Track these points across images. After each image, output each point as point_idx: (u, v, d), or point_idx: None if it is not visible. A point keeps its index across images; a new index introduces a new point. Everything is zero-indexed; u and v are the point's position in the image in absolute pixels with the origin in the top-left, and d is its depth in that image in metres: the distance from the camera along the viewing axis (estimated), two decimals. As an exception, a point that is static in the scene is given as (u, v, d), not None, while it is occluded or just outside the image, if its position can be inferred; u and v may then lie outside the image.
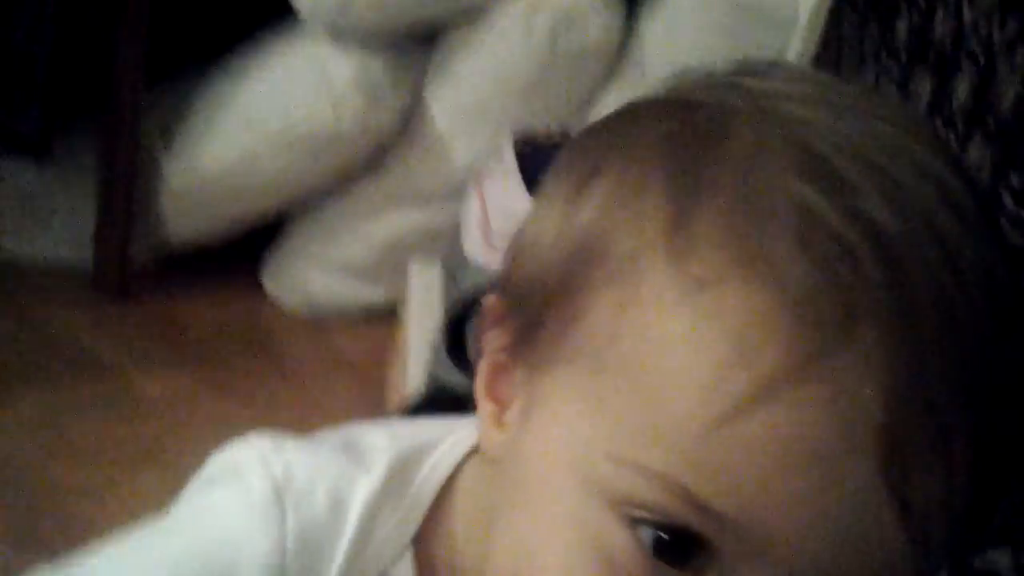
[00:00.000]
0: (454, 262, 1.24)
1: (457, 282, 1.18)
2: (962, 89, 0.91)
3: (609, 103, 1.58)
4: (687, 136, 0.41)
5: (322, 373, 1.62)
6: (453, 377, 1.07)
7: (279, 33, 1.63)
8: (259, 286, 1.74)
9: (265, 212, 1.68)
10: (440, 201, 1.63)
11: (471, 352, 1.03)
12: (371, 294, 1.70)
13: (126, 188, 1.58)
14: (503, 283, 0.47)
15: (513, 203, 1.18)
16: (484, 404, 0.47)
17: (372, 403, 1.42)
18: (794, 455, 0.37)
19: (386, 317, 1.64)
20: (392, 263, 1.66)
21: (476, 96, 1.59)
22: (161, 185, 1.61)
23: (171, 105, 1.63)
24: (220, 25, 1.62)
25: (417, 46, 1.63)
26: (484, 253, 1.17)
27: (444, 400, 1.04)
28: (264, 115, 1.58)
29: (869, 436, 0.36)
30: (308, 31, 1.57)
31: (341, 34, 1.55)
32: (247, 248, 1.71)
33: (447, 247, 1.30)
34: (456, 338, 1.05)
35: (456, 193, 1.55)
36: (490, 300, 0.47)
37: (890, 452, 0.36)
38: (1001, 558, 0.79)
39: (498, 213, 1.19)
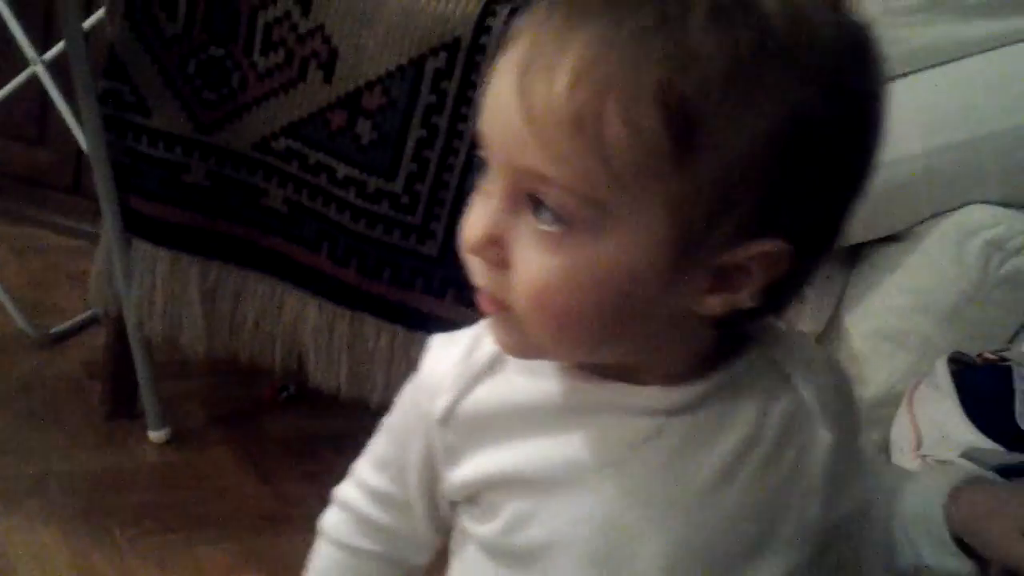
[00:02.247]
0: (889, 483, 1.19)
1: (891, 501, 1.13)
2: None
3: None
4: None
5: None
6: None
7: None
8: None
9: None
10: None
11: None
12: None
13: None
14: None
15: (951, 427, 1.12)
16: None
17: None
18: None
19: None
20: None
21: (897, 320, 1.54)
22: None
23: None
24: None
25: (838, 264, 1.63)
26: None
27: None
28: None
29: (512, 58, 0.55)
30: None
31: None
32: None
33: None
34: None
35: (869, 418, 1.50)
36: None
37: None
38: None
39: (934, 435, 1.13)
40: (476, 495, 0.67)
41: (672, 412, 0.62)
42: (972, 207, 1.48)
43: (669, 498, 0.62)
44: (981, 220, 1.47)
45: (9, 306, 1.90)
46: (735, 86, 0.51)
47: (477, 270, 0.59)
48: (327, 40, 1.44)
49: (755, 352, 0.64)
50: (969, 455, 1.08)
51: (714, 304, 0.57)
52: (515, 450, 0.64)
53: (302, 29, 1.45)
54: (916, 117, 1.50)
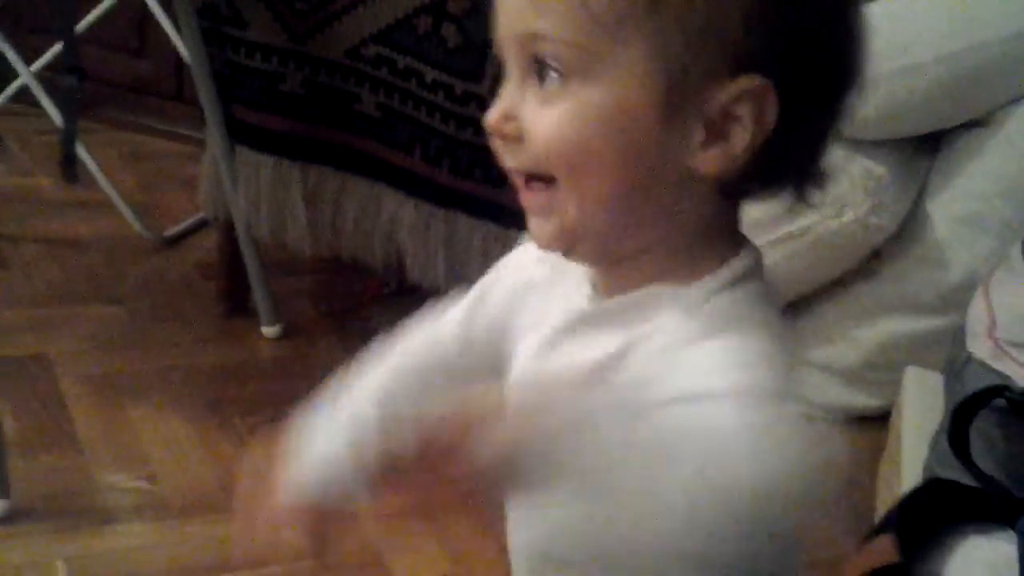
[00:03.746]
0: (956, 365, 1.24)
1: (961, 383, 1.18)
2: None
3: None
4: None
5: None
6: (951, 472, 1.07)
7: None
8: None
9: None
10: (936, 310, 1.61)
11: (974, 449, 1.03)
12: (862, 398, 1.71)
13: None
14: None
15: (1022, 305, 1.16)
16: None
17: (858, 507, 1.42)
18: None
19: (876, 421, 1.64)
20: (884, 369, 1.66)
21: (978, 204, 1.57)
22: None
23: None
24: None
25: (922, 151, 1.65)
26: (991, 356, 1.16)
27: (943, 490, 1.05)
28: (767, 212, 1.65)
29: None
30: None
31: (846, 139, 1.61)
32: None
33: (946, 352, 1.30)
34: (959, 434, 1.06)
35: (950, 302, 1.54)
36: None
37: None
38: None
39: (1007, 316, 1.18)
40: None
41: (593, 319, 0.67)
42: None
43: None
44: (1063, 103, 1.47)
45: (125, 211, 2.02)
46: None
47: (503, 151, 0.64)
48: (413, -53, 1.49)
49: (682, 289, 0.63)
50: (1042, 337, 1.13)
51: (712, 159, 0.60)
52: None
53: (394, -61, 1.50)
54: (994, 4, 1.50)
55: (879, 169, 1.59)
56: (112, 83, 2.31)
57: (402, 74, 1.54)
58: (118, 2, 2.09)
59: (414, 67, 1.53)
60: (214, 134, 1.65)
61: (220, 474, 1.49)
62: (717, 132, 0.59)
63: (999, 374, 1.13)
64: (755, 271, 0.64)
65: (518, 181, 0.64)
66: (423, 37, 1.51)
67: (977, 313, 1.23)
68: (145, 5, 2.11)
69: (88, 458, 1.49)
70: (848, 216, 1.58)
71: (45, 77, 2.06)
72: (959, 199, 1.59)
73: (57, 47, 2.08)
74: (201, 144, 2.04)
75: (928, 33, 1.54)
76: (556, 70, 0.59)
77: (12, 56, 2.02)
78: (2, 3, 1.95)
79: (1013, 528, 0.97)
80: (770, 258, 1.75)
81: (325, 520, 0.68)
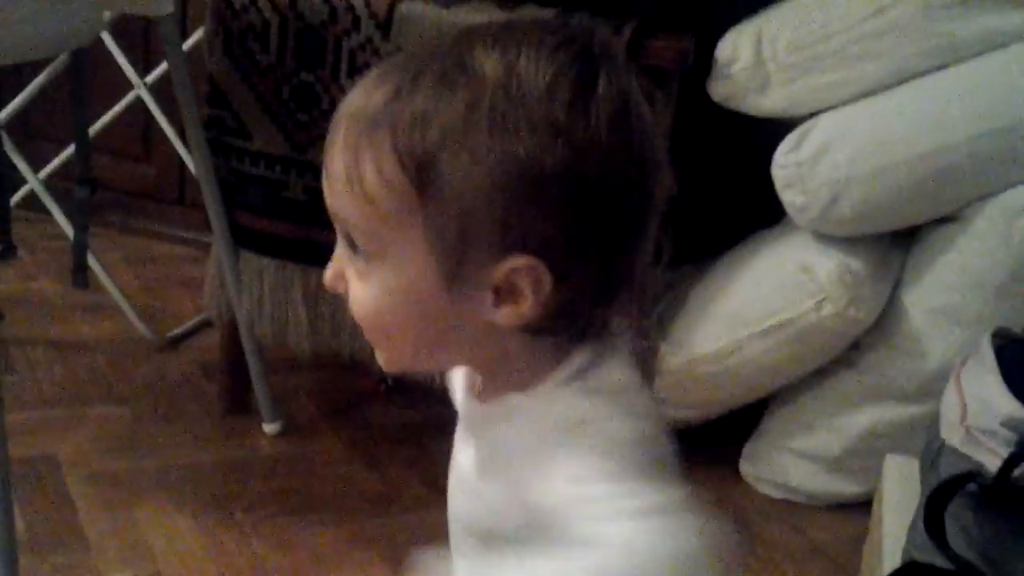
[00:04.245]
0: (931, 452, 1.29)
1: (936, 469, 1.23)
2: None
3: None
4: None
5: (797, 558, 1.69)
6: (928, 556, 1.12)
7: (768, 234, 1.79)
8: (735, 471, 1.86)
9: (745, 398, 1.81)
10: (914, 398, 1.67)
11: (949, 533, 1.08)
12: (844, 485, 1.76)
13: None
14: None
15: (993, 398, 1.22)
16: None
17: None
18: None
19: (859, 507, 1.69)
20: (865, 456, 1.71)
21: (951, 297, 1.63)
22: (657, 368, 1.79)
23: (669, 294, 1.83)
24: (720, 225, 1.81)
25: (897, 245, 1.72)
26: (964, 443, 1.21)
27: (920, 574, 1.10)
28: (750, 306, 1.72)
29: None
30: (794, 232, 1.71)
31: (825, 235, 1.68)
32: (724, 432, 1.85)
33: (924, 438, 1.36)
34: (935, 519, 1.11)
35: (928, 391, 1.59)
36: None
37: None
38: None
39: (978, 405, 1.23)
40: None
41: (472, 421, 0.76)
42: (1018, 188, 1.57)
43: (460, 483, 0.77)
44: (1025, 200, 1.55)
45: (129, 313, 2.08)
46: (456, 138, 0.64)
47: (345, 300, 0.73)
48: (407, 62, 1.57)
49: (549, 384, 0.70)
50: (1009, 424, 1.18)
51: (507, 315, 0.67)
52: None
53: (384, 52, 1.58)
54: (960, 106, 1.59)
55: (856, 264, 1.66)
56: (117, 189, 2.38)
57: (399, 181, 1.61)
58: (124, 111, 2.18)
59: (410, 174, 1.60)
60: (219, 239, 1.72)
61: (223, 568, 1.53)
62: (505, 296, 0.67)
63: (971, 460, 1.18)
64: (595, 363, 0.70)
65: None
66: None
67: (950, 402, 1.29)
68: (149, 113, 2.19)
69: (95, 555, 1.53)
70: (827, 309, 1.65)
71: (52, 184, 2.13)
72: (933, 292, 1.65)
73: (64, 155, 2.16)
74: (203, 247, 2.11)
75: (899, 135, 1.62)
76: (359, 251, 0.68)
77: (21, 164, 2.09)
78: (11, 113, 2.03)
79: (988, 609, 1.01)
80: (752, 349, 1.82)
81: None
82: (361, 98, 0.67)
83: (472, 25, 0.69)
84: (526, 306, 0.67)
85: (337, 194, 0.67)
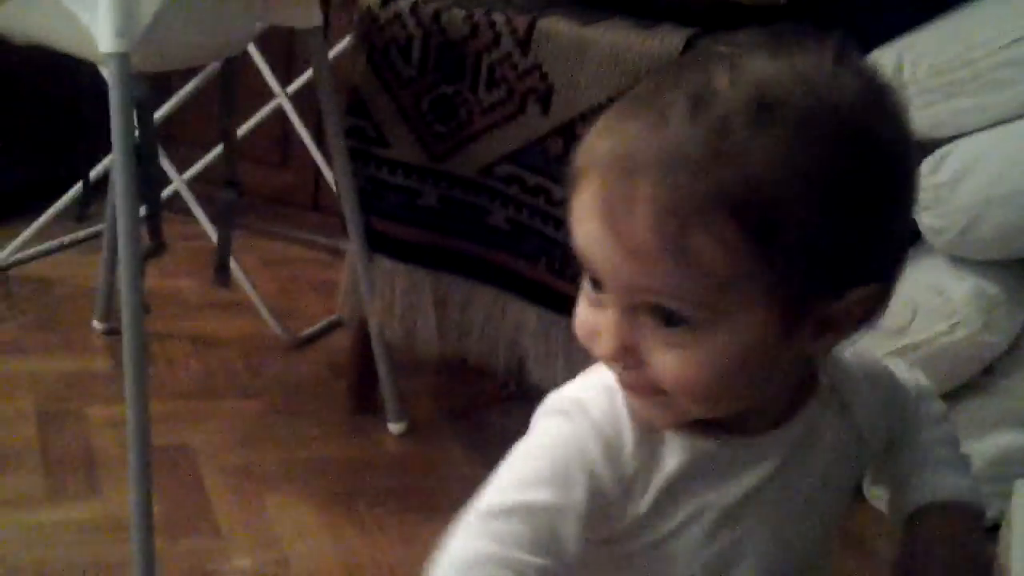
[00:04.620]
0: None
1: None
2: None
3: None
4: None
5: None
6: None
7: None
8: (859, 490, 1.85)
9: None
10: (1050, 426, 1.64)
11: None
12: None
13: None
14: None
15: None
16: None
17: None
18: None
19: (987, 533, 1.65)
20: (996, 482, 1.67)
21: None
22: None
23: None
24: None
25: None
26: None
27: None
28: (882, 328, 1.71)
29: (588, 201, 0.64)
30: (929, 254, 1.70)
31: (961, 259, 1.66)
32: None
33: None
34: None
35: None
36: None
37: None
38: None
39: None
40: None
41: (783, 457, 0.74)
42: None
43: (777, 520, 0.75)
44: None
45: (264, 312, 2.16)
46: (790, 179, 0.59)
47: (616, 370, 0.68)
48: (544, 77, 1.61)
49: (824, 384, 0.76)
50: None
51: (821, 346, 0.68)
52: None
53: (521, 68, 1.62)
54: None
55: (991, 288, 1.63)
56: (255, 194, 2.47)
57: (532, 191, 1.65)
58: (264, 119, 2.27)
59: (544, 185, 1.64)
60: (354, 243, 1.78)
61: (346, 560, 1.58)
62: (829, 327, 0.66)
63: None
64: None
65: (631, 388, 0.68)
66: (553, 158, 1.62)
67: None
68: (287, 122, 2.28)
69: (225, 541, 1.59)
70: (961, 333, 1.63)
71: (193, 187, 2.23)
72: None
73: (207, 159, 2.25)
74: (335, 252, 2.18)
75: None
76: (673, 320, 0.63)
77: (168, 166, 2.19)
78: (161, 117, 2.12)
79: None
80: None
81: None
82: (666, 156, 0.60)
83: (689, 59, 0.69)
84: (848, 333, 0.67)
85: (641, 270, 0.61)
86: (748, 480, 0.73)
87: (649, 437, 0.71)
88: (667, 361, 0.64)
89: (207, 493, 1.70)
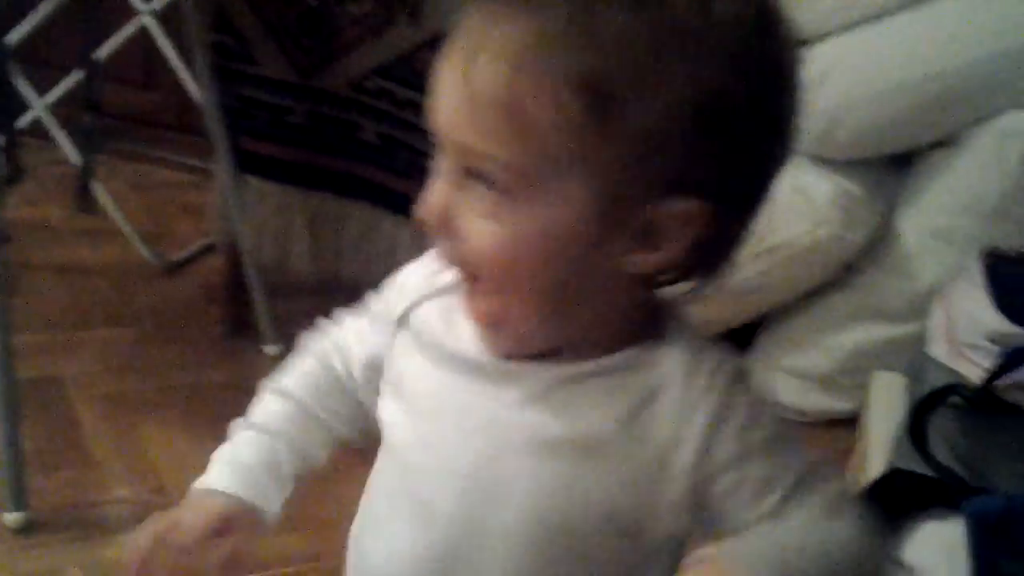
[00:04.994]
0: (917, 367, 1.32)
1: (921, 382, 1.26)
2: None
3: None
4: None
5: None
6: (912, 465, 1.16)
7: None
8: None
9: (739, 319, 1.84)
10: (904, 318, 1.70)
11: (932, 443, 1.12)
12: (835, 402, 1.80)
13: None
14: None
15: (980, 313, 1.26)
16: None
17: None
18: None
19: (849, 423, 1.73)
20: (854, 374, 1.75)
21: (945, 218, 1.66)
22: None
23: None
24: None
25: (891, 169, 1.75)
26: (948, 357, 1.25)
27: (903, 479, 1.14)
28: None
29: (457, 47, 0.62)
30: (792, 158, 1.74)
31: (822, 160, 1.70)
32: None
33: (911, 354, 1.39)
34: (918, 429, 1.15)
35: (919, 311, 1.62)
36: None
37: None
38: None
39: (964, 322, 1.27)
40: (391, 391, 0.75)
41: (558, 381, 0.67)
42: (1012, 112, 1.59)
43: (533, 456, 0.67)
44: (1020, 124, 1.57)
45: (132, 237, 2.11)
46: (645, 67, 0.58)
47: (439, 245, 0.65)
48: (412, -14, 1.59)
49: (663, 345, 0.66)
50: (993, 338, 1.22)
51: (642, 262, 0.62)
52: (426, 370, 0.71)
53: (389, -22, 1.60)
54: (956, 32, 1.61)
55: (851, 187, 1.69)
56: (119, 116, 2.40)
57: (402, 105, 1.64)
58: (127, 39, 2.19)
59: (414, 99, 1.62)
60: (223, 164, 1.74)
61: (227, 483, 1.57)
62: (649, 241, 0.62)
63: (955, 373, 1.22)
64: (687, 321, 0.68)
65: (452, 270, 0.67)
66: (423, 72, 1.60)
67: (936, 318, 1.32)
68: (151, 41, 2.20)
69: (101, 472, 1.56)
70: (822, 231, 1.68)
71: (56, 112, 2.15)
72: (928, 214, 1.68)
73: (68, 82, 2.17)
74: (205, 173, 2.13)
75: (895, 61, 1.64)
76: (493, 186, 0.61)
77: (28, 91, 2.11)
78: (18, 40, 2.04)
79: (966, 513, 1.05)
80: (748, 271, 1.86)
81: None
82: (539, 16, 0.59)
83: None
84: (669, 255, 0.62)
85: (475, 125, 0.60)
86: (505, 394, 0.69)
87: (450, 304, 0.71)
88: (479, 229, 0.62)
89: (80, 424, 1.66)
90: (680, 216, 0.61)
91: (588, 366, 0.66)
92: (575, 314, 0.65)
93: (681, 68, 0.58)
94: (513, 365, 0.68)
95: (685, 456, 0.65)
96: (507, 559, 0.68)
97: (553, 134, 0.59)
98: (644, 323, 0.67)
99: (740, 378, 0.66)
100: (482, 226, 0.62)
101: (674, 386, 0.65)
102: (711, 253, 0.64)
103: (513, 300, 0.64)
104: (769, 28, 0.61)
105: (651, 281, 0.65)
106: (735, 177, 0.61)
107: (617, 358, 0.66)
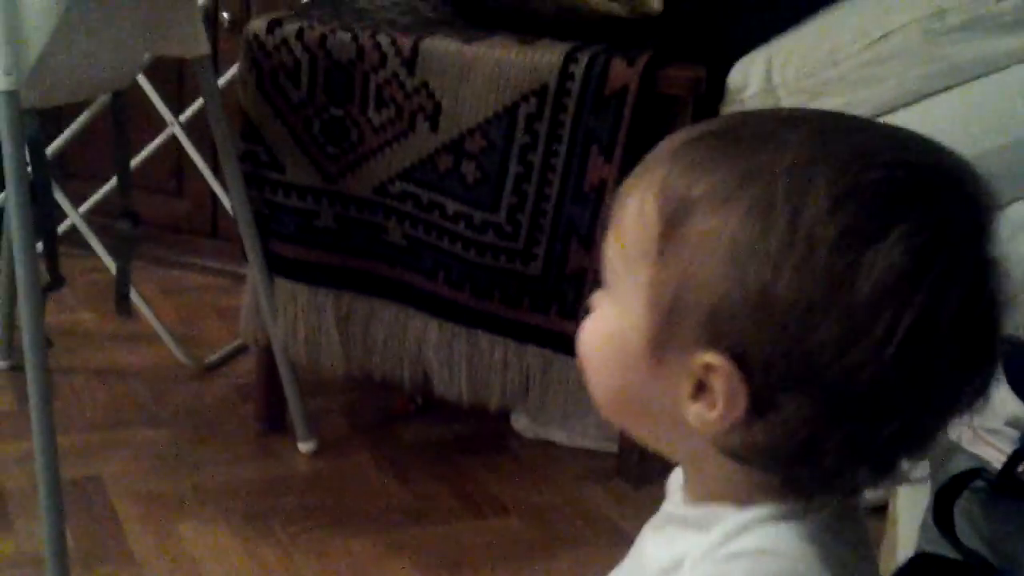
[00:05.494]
0: (941, 453, 1.35)
1: (945, 468, 1.29)
2: None
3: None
4: None
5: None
6: (939, 549, 1.18)
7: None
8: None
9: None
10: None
11: (958, 527, 1.14)
12: (865, 492, 1.81)
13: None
14: None
15: (999, 399, 1.28)
16: None
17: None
18: None
19: (877, 512, 1.74)
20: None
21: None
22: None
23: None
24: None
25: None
26: (970, 442, 1.28)
27: (930, 564, 1.16)
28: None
29: None
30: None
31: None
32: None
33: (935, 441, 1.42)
34: (944, 513, 1.17)
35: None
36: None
37: None
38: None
39: (983, 408, 1.29)
40: None
41: (672, 519, 0.69)
42: (1019, 203, 1.63)
43: None
44: (1028, 214, 1.61)
45: (167, 340, 2.16)
46: (716, 203, 0.59)
47: None
48: (431, 95, 1.66)
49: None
50: (1013, 424, 1.25)
51: (696, 414, 0.61)
52: None
53: (408, 87, 1.67)
54: (962, 127, 1.65)
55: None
56: (151, 223, 2.47)
57: (426, 207, 1.69)
58: (159, 148, 2.27)
59: (437, 200, 1.68)
60: (254, 267, 1.80)
61: (265, 580, 1.61)
62: (699, 394, 0.61)
63: (978, 459, 1.25)
64: (799, 514, 0.62)
65: None
66: (444, 174, 1.67)
67: (955, 404, 1.35)
68: (181, 150, 2.28)
69: (141, 569, 1.60)
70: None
71: (90, 220, 2.22)
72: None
73: (103, 191, 2.25)
74: (235, 277, 2.20)
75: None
76: (604, 285, 0.66)
77: (63, 201, 2.18)
78: (55, 152, 2.12)
79: (994, 595, 1.07)
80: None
81: None
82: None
83: (808, 110, 0.65)
84: (715, 415, 0.60)
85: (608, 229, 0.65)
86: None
87: None
88: (587, 319, 0.67)
89: (120, 522, 1.70)
90: (716, 373, 0.59)
91: (679, 510, 0.68)
92: (672, 449, 0.67)
93: (742, 236, 0.58)
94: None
95: None
96: None
97: (632, 237, 0.63)
98: (738, 489, 0.64)
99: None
100: (589, 318, 0.67)
101: (689, 559, 0.63)
102: (786, 447, 0.59)
103: (598, 394, 0.67)
104: (855, 253, 0.56)
105: (723, 451, 0.62)
106: (776, 360, 0.58)
107: (694, 511, 0.66)
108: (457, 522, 1.75)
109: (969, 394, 0.62)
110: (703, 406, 0.60)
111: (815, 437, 0.58)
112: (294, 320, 1.82)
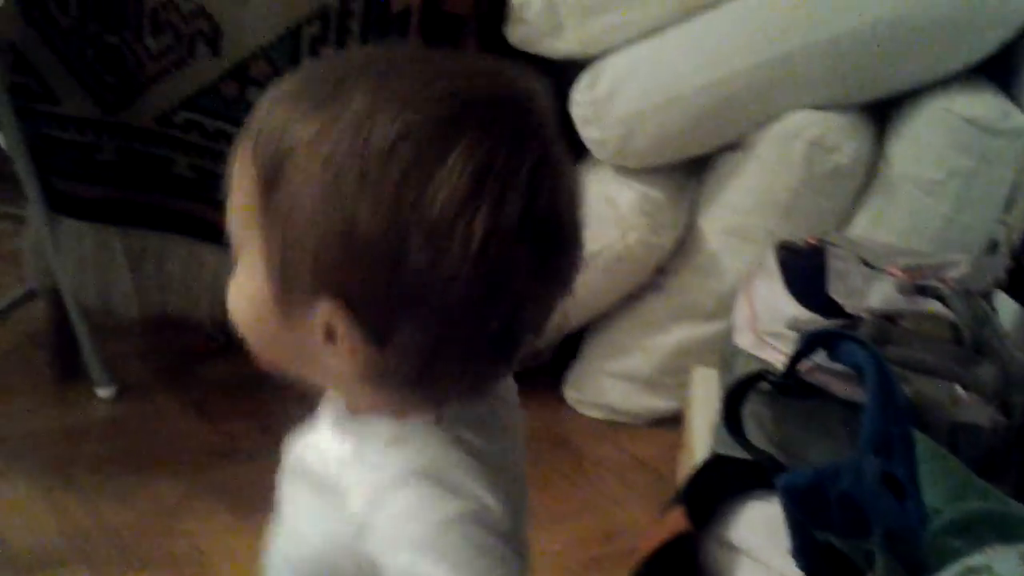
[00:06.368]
0: (727, 358, 1.40)
1: (731, 372, 1.34)
2: None
3: (861, 219, 1.71)
4: None
5: (622, 472, 1.81)
6: (731, 451, 1.23)
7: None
8: (560, 396, 1.97)
9: (569, 328, 1.90)
10: (715, 315, 1.77)
11: (747, 428, 1.19)
12: (660, 401, 1.87)
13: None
14: None
15: (778, 303, 1.34)
16: None
17: (664, 497, 1.58)
18: None
19: (675, 420, 1.81)
20: (676, 373, 1.82)
21: (741, 217, 1.75)
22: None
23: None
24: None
25: (690, 174, 1.83)
26: (754, 346, 1.33)
27: (723, 465, 1.20)
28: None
29: None
30: (597, 166, 1.80)
31: (624, 169, 1.77)
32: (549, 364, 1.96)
33: (720, 347, 1.47)
34: (733, 416, 1.22)
35: (728, 307, 1.70)
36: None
37: None
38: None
39: (765, 312, 1.35)
40: None
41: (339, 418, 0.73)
42: (794, 112, 1.69)
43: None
44: (801, 123, 1.67)
45: (-53, 290, 2.03)
46: (299, 159, 0.62)
47: None
48: (209, 18, 1.59)
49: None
50: (793, 326, 1.30)
51: (332, 356, 0.65)
52: None
53: (184, 10, 1.59)
54: (737, 38, 1.70)
55: (654, 193, 1.76)
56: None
57: (213, 136, 1.63)
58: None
59: (224, 129, 1.62)
60: (35, 207, 1.71)
61: (67, 528, 1.55)
62: (330, 336, 0.64)
63: (762, 361, 1.30)
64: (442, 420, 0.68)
65: None
66: (230, 101, 1.61)
67: (740, 310, 1.40)
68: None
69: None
70: (631, 238, 1.75)
71: None
72: (726, 214, 1.77)
73: None
74: (16, 219, 2.07)
75: (683, 69, 1.72)
76: (235, 250, 0.68)
77: None
78: None
79: (780, 490, 1.12)
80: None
81: None
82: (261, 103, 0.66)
83: (382, 52, 0.67)
84: (346, 354, 0.64)
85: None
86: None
87: None
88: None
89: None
90: (330, 314, 0.63)
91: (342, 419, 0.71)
92: (325, 385, 0.71)
93: (320, 176, 0.61)
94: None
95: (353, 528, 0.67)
96: None
97: (241, 203, 0.65)
98: (389, 405, 0.68)
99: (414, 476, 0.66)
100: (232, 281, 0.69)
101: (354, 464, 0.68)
102: (409, 370, 0.65)
103: (255, 351, 0.69)
104: (419, 170, 0.61)
105: (363, 381, 0.66)
106: (379, 297, 0.62)
107: (353, 423, 0.70)
108: (265, 458, 1.71)
109: (560, 282, 0.67)
110: (335, 348, 0.64)
111: (437, 351, 0.64)
112: (82, 260, 1.74)
